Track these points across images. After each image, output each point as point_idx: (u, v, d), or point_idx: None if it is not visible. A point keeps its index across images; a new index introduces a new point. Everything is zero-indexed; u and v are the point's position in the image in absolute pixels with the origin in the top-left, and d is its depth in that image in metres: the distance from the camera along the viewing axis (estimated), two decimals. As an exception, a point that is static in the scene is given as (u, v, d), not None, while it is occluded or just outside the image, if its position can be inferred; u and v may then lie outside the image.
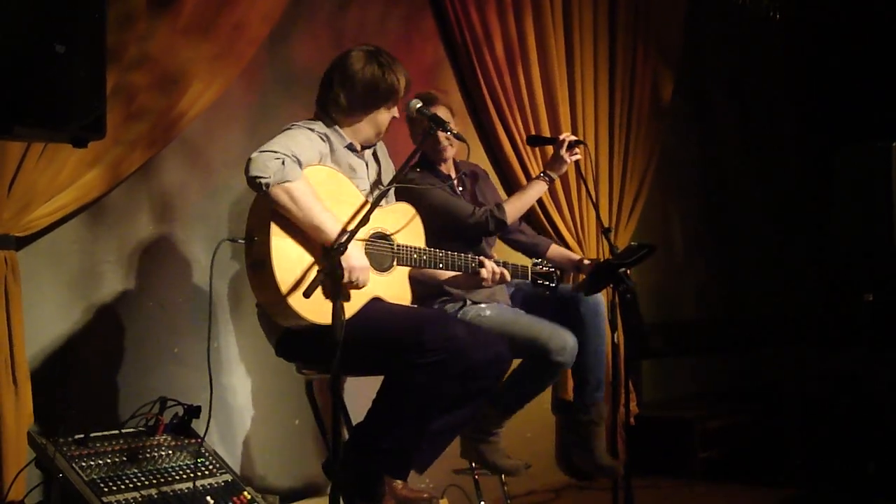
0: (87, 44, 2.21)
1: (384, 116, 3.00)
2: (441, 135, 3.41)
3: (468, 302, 3.38)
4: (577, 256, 3.83)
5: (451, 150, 3.55)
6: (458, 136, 3.08)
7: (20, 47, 2.08)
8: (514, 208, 3.49)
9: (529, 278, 3.24)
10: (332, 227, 2.73)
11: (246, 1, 3.37)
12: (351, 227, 2.65)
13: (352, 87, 2.94)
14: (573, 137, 3.51)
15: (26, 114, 2.11)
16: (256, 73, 3.67)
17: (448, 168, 3.60)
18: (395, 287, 2.94)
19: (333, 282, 2.46)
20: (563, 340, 3.28)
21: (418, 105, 2.91)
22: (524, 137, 4.47)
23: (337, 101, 2.96)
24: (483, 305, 3.38)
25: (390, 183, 2.93)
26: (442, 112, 3.39)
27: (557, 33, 4.72)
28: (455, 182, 3.56)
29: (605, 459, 3.52)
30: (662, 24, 5.36)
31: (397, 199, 3.18)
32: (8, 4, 2.07)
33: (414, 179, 3.41)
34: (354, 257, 2.76)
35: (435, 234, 3.17)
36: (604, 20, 5.01)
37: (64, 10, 2.16)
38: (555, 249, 3.76)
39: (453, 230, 3.38)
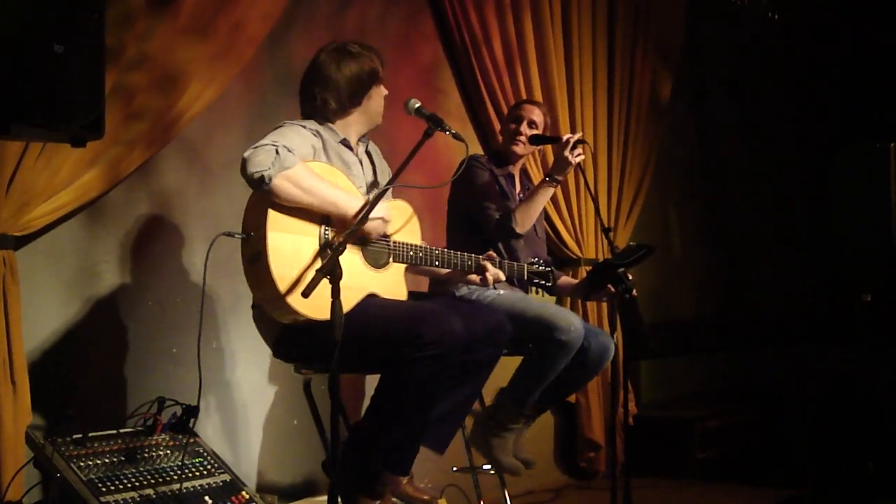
0: (86, 43, 2.22)
1: (375, 100, 3.04)
2: (523, 132, 3.64)
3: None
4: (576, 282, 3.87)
5: (524, 148, 3.68)
6: (456, 136, 3.08)
7: (19, 47, 2.08)
8: (523, 216, 3.51)
9: (526, 277, 3.26)
10: (346, 201, 2.76)
11: (245, 1, 3.38)
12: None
13: (336, 89, 2.97)
14: (577, 137, 3.51)
15: (25, 113, 2.11)
16: (255, 73, 3.67)
17: (516, 170, 3.73)
18: (390, 284, 2.95)
19: (332, 281, 2.46)
20: (568, 320, 3.32)
21: (416, 105, 2.92)
22: (522, 137, 4.47)
23: (326, 106, 2.98)
24: (498, 285, 3.45)
25: (391, 180, 2.91)
26: (536, 115, 3.67)
27: (556, 33, 4.73)
28: (516, 186, 3.70)
29: (524, 454, 3.55)
30: (662, 23, 5.36)
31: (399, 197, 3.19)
32: (7, 4, 2.07)
33: (473, 159, 3.52)
34: (374, 220, 2.80)
35: (462, 216, 3.50)
36: (602, 20, 5.02)
37: (63, 9, 2.16)
38: (562, 279, 3.80)
39: (478, 226, 3.52)
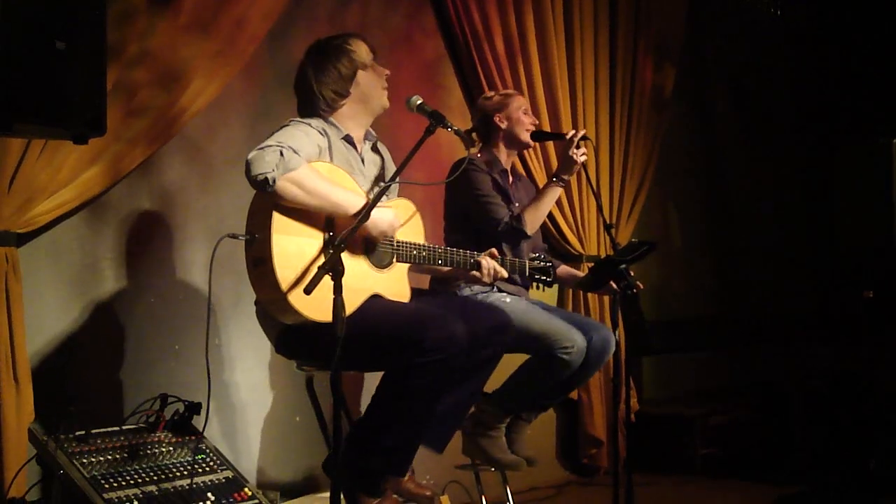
0: (87, 41, 2.22)
1: (364, 84, 2.99)
2: (529, 121, 3.66)
3: (495, 288, 3.46)
4: (581, 274, 3.87)
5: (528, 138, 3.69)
6: (458, 133, 3.07)
7: (21, 44, 2.08)
8: (532, 217, 3.50)
9: (527, 272, 3.27)
10: (352, 201, 2.74)
11: (246, -2, 3.38)
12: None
13: (318, 91, 2.97)
14: (580, 134, 3.49)
15: (27, 110, 2.12)
16: (257, 70, 3.67)
17: (508, 164, 3.72)
18: (394, 284, 2.94)
19: (334, 277, 2.46)
20: (571, 340, 3.33)
21: (418, 101, 2.91)
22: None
23: (316, 107, 2.98)
24: (505, 293, 3.48)
25: (392, 178, 2.91)
26: (521, 101, 3.69)
27: (558, 28, 4.72)
28: (509, 180, 3.68)
29: (526, 452, 3.56)
30: (663, 18, 5.35)
31: (400, 195, 3.18)
32: (9, 2, 2.07)
33: (470, 161, 3.48)
34: (381, 220, 2.81)
35: (463, 220, 3.51)
36: (604, 14, 5.01)
37: (64, 7, 2.17)
38: (563, 269, 3.80)
39: (481, 229, 3.49)
